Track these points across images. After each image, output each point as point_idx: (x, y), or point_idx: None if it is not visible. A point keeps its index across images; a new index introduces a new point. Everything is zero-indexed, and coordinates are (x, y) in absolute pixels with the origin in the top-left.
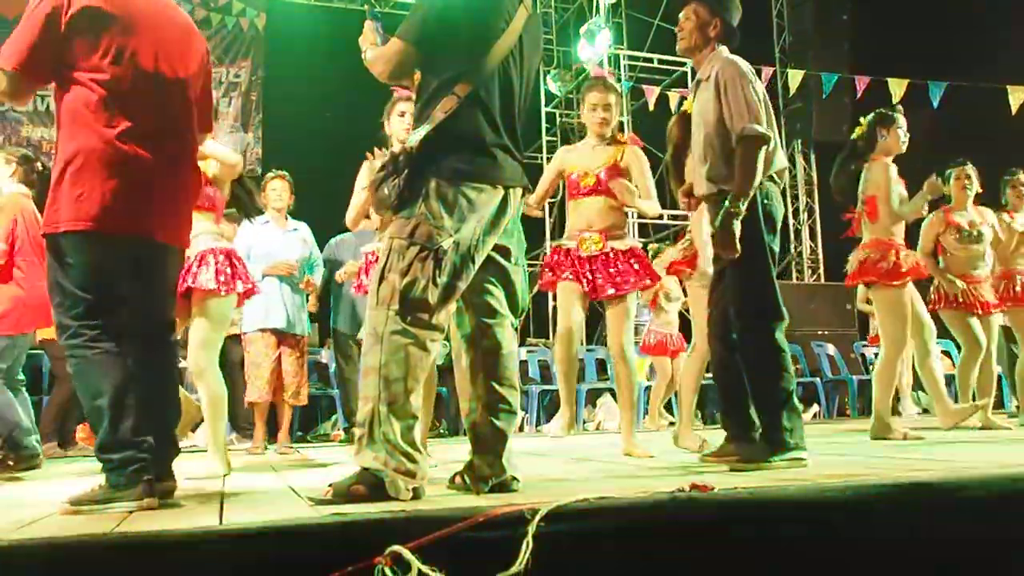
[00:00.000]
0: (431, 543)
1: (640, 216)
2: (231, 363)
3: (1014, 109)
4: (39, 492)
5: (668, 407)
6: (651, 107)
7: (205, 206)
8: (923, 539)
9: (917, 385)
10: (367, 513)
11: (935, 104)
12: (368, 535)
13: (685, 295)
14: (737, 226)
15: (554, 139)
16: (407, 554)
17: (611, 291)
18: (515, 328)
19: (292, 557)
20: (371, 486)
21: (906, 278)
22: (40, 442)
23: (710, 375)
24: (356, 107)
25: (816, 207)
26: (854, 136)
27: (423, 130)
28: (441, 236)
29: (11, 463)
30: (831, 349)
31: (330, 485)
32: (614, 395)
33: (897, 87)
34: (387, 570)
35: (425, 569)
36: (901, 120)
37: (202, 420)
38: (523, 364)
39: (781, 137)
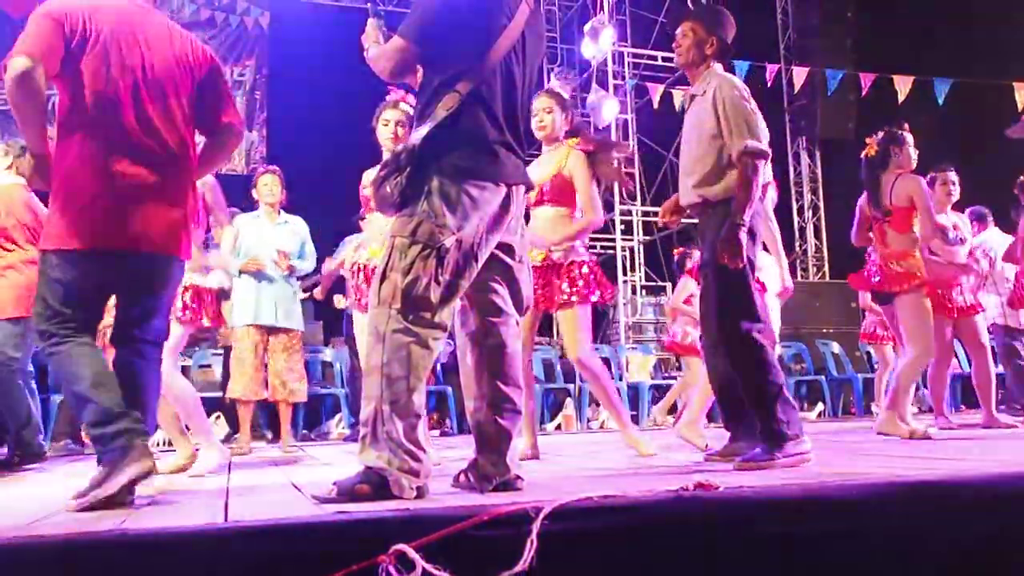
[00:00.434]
0: (435, 542)
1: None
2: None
3: (1020, 106)
4: (48, 489)
5: (671, 410)
6: (655, 104)
7: None
8: (927, 538)
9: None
10: (371, 511)
11: (940, 101)
12: (372, 533)
13: None
14: (743, 237)
15: None
16: (411, 552)
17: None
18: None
19: (296, 555)
20: (375, 485)
21: (928, 286)
22: (50, 440)
23: None
24: (360, 106)
25: (821, 205)
26: (866, 154)
27: (425, 128)
28: (443, 234)
29: (17, 459)
30: (836, 347)
31: (334, 483)
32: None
33: (902, 84)
34: (391, 568)
35: (429, 567)
36: (909, 137)
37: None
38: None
39: (786, 135)
